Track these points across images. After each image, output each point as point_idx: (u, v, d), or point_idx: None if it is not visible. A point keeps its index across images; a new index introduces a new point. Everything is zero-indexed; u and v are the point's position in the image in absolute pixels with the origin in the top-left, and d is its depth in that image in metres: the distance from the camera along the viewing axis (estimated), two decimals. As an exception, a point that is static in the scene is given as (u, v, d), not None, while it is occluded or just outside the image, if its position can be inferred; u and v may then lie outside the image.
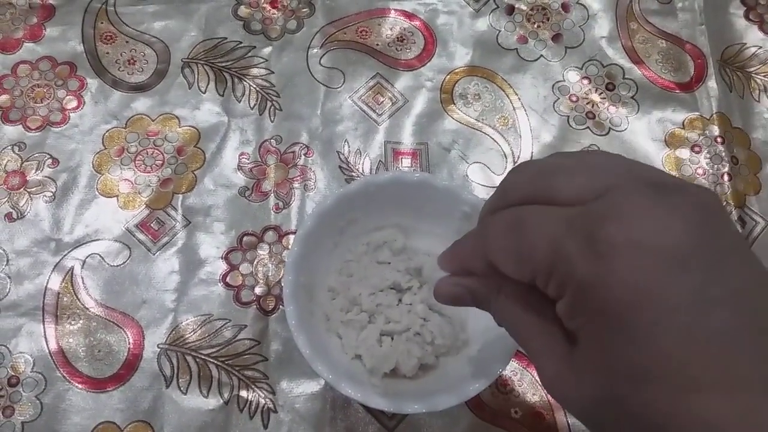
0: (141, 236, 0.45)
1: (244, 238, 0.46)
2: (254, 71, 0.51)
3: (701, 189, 0.21)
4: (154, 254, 0.45)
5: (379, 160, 0.49)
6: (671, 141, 0.51)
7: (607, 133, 0.51)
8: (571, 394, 0.22)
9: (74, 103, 0.50)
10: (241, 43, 0.53)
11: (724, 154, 0.50)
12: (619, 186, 0.20)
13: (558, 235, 0.21)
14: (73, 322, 0.43)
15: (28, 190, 0.46)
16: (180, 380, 0.41)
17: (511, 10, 0.55)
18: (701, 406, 0.18)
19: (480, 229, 0.26)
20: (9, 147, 0.48)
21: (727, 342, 0.18)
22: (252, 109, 0.50)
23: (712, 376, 0.18)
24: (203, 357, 0.42)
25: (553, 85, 0.52)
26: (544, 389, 0.25)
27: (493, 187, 0.48)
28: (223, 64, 0.52)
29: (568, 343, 0.22)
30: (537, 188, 0.23)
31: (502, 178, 0.47)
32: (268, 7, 0.54)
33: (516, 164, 0.49)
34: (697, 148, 0.50)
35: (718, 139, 0.50)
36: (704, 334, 0.18)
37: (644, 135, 0.51)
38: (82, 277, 0.44)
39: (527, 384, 0.42)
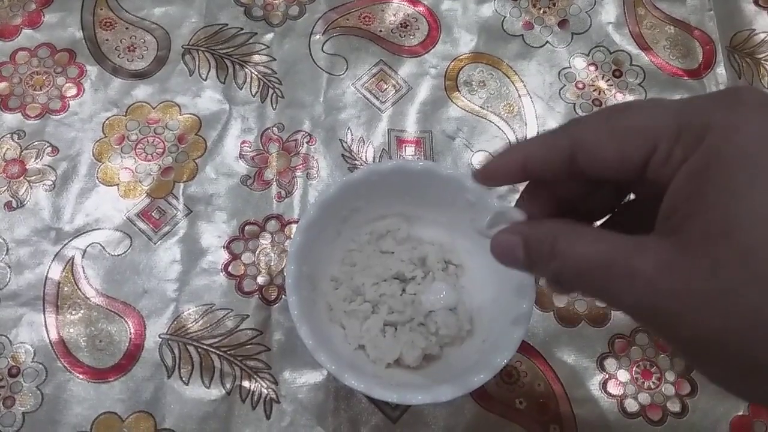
0: (142, 225, 0.45)
1: (246, 227, 0.45)
2: (256, 58, 0.51)
3: None
4: (155, 243, 0.44)
5: (383, 149, 0.48)
6: (679, 129, 0.50)
7: (614, 121, 0.50)
8: (682, 285, 0.18)
9: (74, 91, 0.49)
10: (242, 29, 0.52)
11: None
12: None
13: (682, 105, 0.19)
14: (73, 312, 0.42)
15: (28, 178, 0.46)
16: (182, 370, 0.41)
17: (516, -5, 0.54)
18: None
19: (561, 126, 0.23)
20: (8, 135, 0.47)
21: None
22: (254, 96, 0.49)
23: None
24: (205, 347, 0.42)
25: (560, 72, 0.51)
26: (639, 301, 0.20)
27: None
28: (225, 51, 0.51)
29: (665, 236, 0.20)
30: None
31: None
32: (270, -7, 0.53)
33: None
34: (705, 136, 0.50)
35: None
36: None
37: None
38: (82, 267, 0.44)
39: (532, 375, 0.42)
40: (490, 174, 0.26)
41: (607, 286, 0.20)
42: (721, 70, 0.52)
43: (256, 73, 0.50)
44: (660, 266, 0.19)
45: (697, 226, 0.18)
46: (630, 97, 0.51)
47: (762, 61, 0.53)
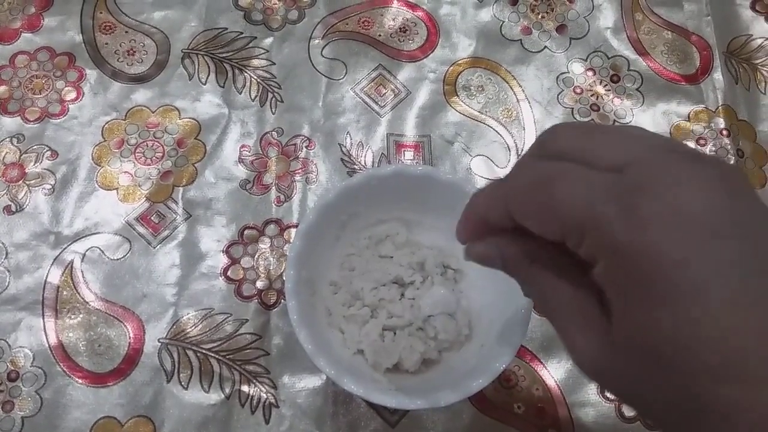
0: (141, 229, 0.45)
1: (245, 232, 0.45)
2: (255, 62, 0.51)
3: (729, 164, 0.21)
4: (154, 248, 0.44)
5: (382, 153, 0.48)
6: (676, 133, 0.50)
7: (612, 126, 0.50)
8: (607, 368, 0.21)
9: (73, 95, 0.49)
10: (241, 33, 0.52)
11: (729, 146, 0.49)
12: (657, 156, 0.20)
13: (595, 198, 0.20)
14: (73, 316, 0.42)
15: (27, 182, 0.46)
16: (181, 375, 0.41)
17: (515, 0, 0.55)
18: (747, 395, 0.18)
19: (507, 176, 0.25)
20: (7, 139, 0.47)
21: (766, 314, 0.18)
22: (253, 100, 0.49)
23: (759, 357, 0.18)
24: (204, 351, 0.42)
25: (558, 77, 0.52)
26: (576, 364, 0.23)
27: (497, 179, 0.47)
28: (224, 55, 0.51)
29: (603, 313, 0.22)
30: (575, 146, 0.22)
31: (505, 171, 0.48)
32: (269, -3, 0.53)
33: (520, 157, 0.49)
34: (702, 141, 0.50)
35: (724, 132, 0.50)
36: (747, 302, 0.18)
37: (649, 127, 0.49)
38: (81, 271, 0.44)
39: (530, 379, 0.42)
40: (462, 232, 0.28)
41: (557, 331, 0.24)
42: (718, 76, 0.52)
43: (255, 77, 0.50)
44: (591, 346, 0.22)
45: (620, 331, 0.21)
46: (627, 103, 0.51)
47: (759, 67, 0.53)
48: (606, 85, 0.52)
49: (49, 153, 0.47)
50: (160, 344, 0.42)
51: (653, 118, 0.50)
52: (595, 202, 0.20)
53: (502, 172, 0.48)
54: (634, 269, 0.19)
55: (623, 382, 0.21)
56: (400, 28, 0.53)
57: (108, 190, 0.46)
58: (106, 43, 0.51)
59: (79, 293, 0.43)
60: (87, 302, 0.43)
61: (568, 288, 0.23)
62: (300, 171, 0.47)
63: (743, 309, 0.18)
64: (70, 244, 0.44)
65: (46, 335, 0.42)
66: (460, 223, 0.27)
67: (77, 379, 0.41)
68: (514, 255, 0.25)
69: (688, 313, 0.18)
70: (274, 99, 0.50)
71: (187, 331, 0.42)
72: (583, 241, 0.21)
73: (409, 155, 0.48)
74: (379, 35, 0.53)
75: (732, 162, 0.49)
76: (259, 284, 0.44)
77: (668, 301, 0.19)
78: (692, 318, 0.18)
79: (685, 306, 0.19)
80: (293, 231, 0.45)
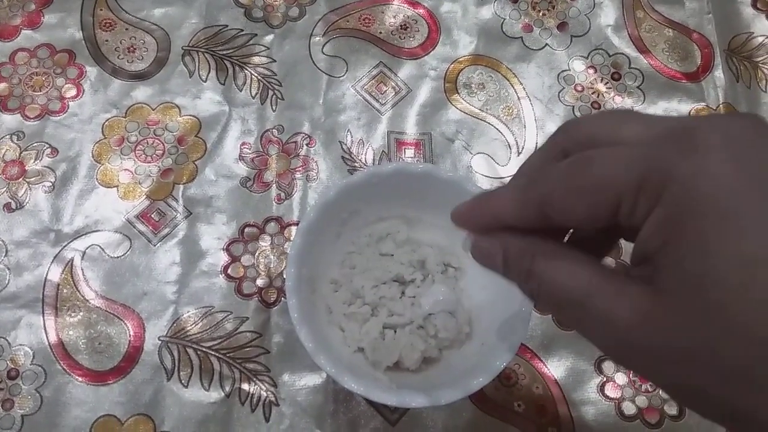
0: (141, 227, 0.45)
1: (246, 230, 0.45)
2: (256, 59, 0.51)
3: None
4: (154, 245, 0.44)
5: (383, 151, 0.48)
6: (677, 132, 0.50)
7: (613, 124, 0.50)
8: (656, 330, 0.19)
9: (73, 92, 0.49)
10: (242, 30, 0.52)
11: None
12: (692, 120, 0.20)
13: (648, 152, 0.19)
14: (73, 314, 0.42)
15: (27, 179, 0.46)
16: (181, 373, 0.41)
17: (516, -3, 0.54)
18: None
19: (529, 176, 0.23)
20: (7, 136, 0.47)
21: None
22: (253, 98, 0.49)
23: None
24: (204, 349, 0.42)
25: (559, 75, 0.52)
26: (614, 343, 0.21)
27: (498, 177, 0.47)
28: (224, 52, 0.51)
29: (632, 282, 0.20)
30: (605, 125, 0.22)
31: (506, 169, 0.48)
32: (270, -5, 0.53)
33: (521, 154, 0.48)
34: (703, 139, 0.50)
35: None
36: None
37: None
38: (82, 269, 0.43)
39: (530, 377, 0.42)
40: (463, 220, 0.26)
41: (582, 323, 0.21)
42: (719, 73, 0.52)
43: (255, 74, 0.50)
44: (637, 317, 0.19)
45: (672, 281, 0.19)
46: (628, 101, 0.51)
47: (760, 65, 0.53)
48: (607, 82, 0.51)
49: (49, 150, 0.47)
50: (160, 342, 0.42)
51: (654, 116, 0.50)
52: (649, 154, 0.19)
53: (502, 170, 0.48)
54: (698, 199, 0.18)
55: (673, 340, 0.19)
56: (401, 26, 0.53)
57: (108, 187, 0.46)
58: (107, 40, 0.51)
59: (79, 291, 0.43)
60: (87, 300, 0.43)
61: (589, 266, 0.21)
62: (300, 169, 0.47)
63: None
64: (70, 242, 0.44)
65: (46, 333, 0.42)
66: (464, 212, 0.26)
67: (77, 377, 0.41)
68: (517, 250, 0.24)
69: (755, 241, 0.17)
70: (274, 96, 0.50)
71: (188, 329, 0.42)
72: (639, 198, 0.19)
73: (409, 153, 0.48)
74: (380, 32, 0.52)
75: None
76: (260, 282, 0.44)
77: (734, 230, 0.17)
78: (759, 245, 0.17)
79: (750, 235, 0.17)
80: (294, 229, 0.45)
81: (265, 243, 0.45)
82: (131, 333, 0.42)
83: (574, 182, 0.21)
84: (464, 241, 0.29)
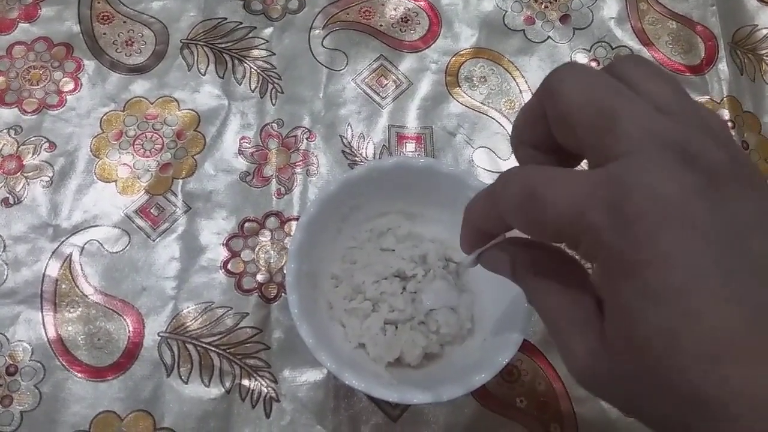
0: (140, 222, 0.44)
1: (246, 224, 0.45)
2: (255, 53, 0.50)
3: (728, 149, 0.21)
4: (153, 241, 0.44)
5: (383, 145, 0.48)
6: (681, 125, 0.50)
7: (616, 117, 0.49)
8: (602, 372, 0.22)
9: (71, 86, 0.49)
10: (241, 23, 0.51)
11: (734, 138, 0.49)
12: (642, 150, 0.20)
13: (584, 205, 0.21)
14: (72, 310, 0.42)
15: (25, 174, 0.46)
16: (181, 369, 0.41)
17: (517, -10, 0.54)
18: (736, 376, 0.18)
19: (495, 184, 0.25)
20: (5, 130, 0.47)
21: (755, 303, 0.19)
22: (253, 91, 0.49)
23: (745, 344, 0.18)
24: (204, 345, 0.41)
25: (561, 68, 0.51)
26: (572, 373, 0.24)
27: (499, 172, 0.47)
28: (223, 46, 0.50)
29: (600, 319, 0.22)
30: (573, 110, 0.23)
31: (508, 163, 0.47)
32: (269, -13, 0.53)
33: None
34: (707, 133, 0.49)
35: (729, 124, 0.49)
36: (733, 299, 0.19)
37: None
38: (80, 264, 0.43)
39: (533, 373, 0.42)
40: (468, 249, 0.29)
41: (555, 342, 0.24)
42: (723, 66, 0.51)
43: (255, 68, 0.50)
44: (588, 353, 0.22)
45: (612, 326, 0.21)
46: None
47: (764, 57, 0.53)
48: (610, 75, 0.51)
49: (47, 145, 0.46)
50: (159, 338, 0.42)
51: (657, 109, 0.50)
52: (584, 209, 0.21)
53: (504, 164, 0.47)
54: (624, 268, 0.20)
55: (618, 385, 0.22)
56: (401, 18, 0.52)
57: (107, 182, 0.46)
58: (104, 34, 0.51)
59: (78, 286, 0.43)
60: (86, 296, 0.42)
61: (569, 296, 0.24)
62: (301, 163, 0.47)
63: (726, 307, 0.19)
64: (68, 237, 0.44)
65: (44, 329, 0.41)
66: (462, 237, 0.29)
67: (76, 373, 0.41)
68: (522, 263, 0.26)
69: (673, 309, 0.19)
70: (274, 90, 0.49)
71: (187, 324, 0.42)
72: (579, 246, 0.22)
73: (410, 147, 0.48)
74: (381, 25, 0.52)
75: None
76: (260, 277, 0.43)
77: (654, 298, 0.19)
78: (677, 314, 0.19)
79: (669, 303, 0.19)
80: (294, 224, 0.45)
81: (265, 238, 0.45)
82: (130, 329, 0.42)
83: (526, 216, 0.23)
84: (464, 259, 0.30)
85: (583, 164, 0.25)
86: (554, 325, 0.24)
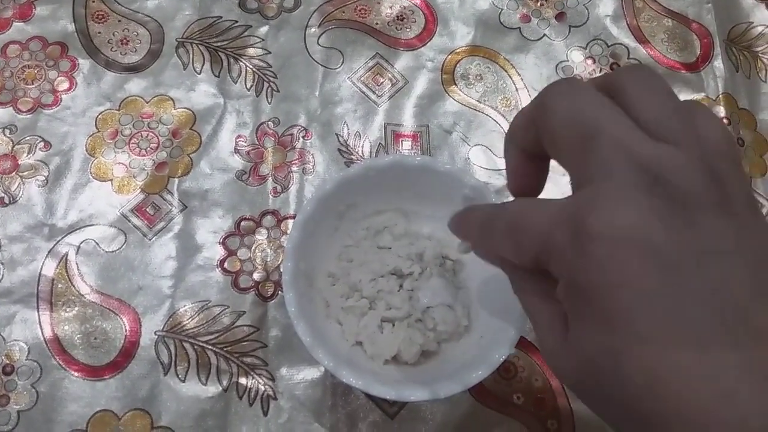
0: (136, 221, 0.44)
1: (242, 223, 0.45)
2: (250, 51, 0.50)
3: (712, 172, 0.21)
4: (150, 240, 0.44)
5: (379, 143, 0.48)
6: (676, 122, 0.50)
7: (612, 115, 0.50)
8: (563, 366, 0.24)
9: (66, 85, 0.48)
10: (236, 22, 0.51)
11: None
12: (609, 174, 0.21)
13: (550, 223, 0.23)
14: (68, 309, 0.42)
15: (20, 174, 0.45)
16: (178, 368, 0.41)
17: (513, -13, 0.54)
18: (672, 397, 0.19)
19: (483, 223, 0.28)
20: (0, 130, 0.47)
21: (697, 328, 0.20)
22: (248, 90, 0.49)
23: (684, 365, 0.19)
24: (201, 344, 0.41)
25: (557, 66, 0.51)
26: (545, 361, 0.26)
27: (496, 170, 0.47)
28: (219, 44, 0.50)
29: (565, 322, 0.24)
30: (556, 140, 0.24)
31: (503, 161, 0.47)
32: (265, -15, 0.53)
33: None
34: (702, 130, 0.49)
35: (724, 121, 0.49)
36: (676, 321, 0.20)
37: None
38: (76, 263, 0.43)
39: (530, 370, 0.42)
40: (456, 231, 0.31)
41: (534, 332, 0.27)
42: (718, 63, 0.52)
43: (250, 66, 0.50)
44: (557, 352, 0.24)
45: (572, 337, 0.23)
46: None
47: (759, 54, 0.53)
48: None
49: (42, 144, 0.46)
50: (156, 337, 0.42)
51: (653, 106, 0.50)
52: (552, 229, 0.22)
53: (500, 162, 0.47)
54: (580, 290, 0.22)
55: (577, 382, 0.24)
56: (397, 16, 0.52)
57: (102, 181, 0.46)
58: (99, 33, 0.50)
59: (74, 286, 0.43)
60: (82, 295, 0.42)
61: (544, 302, 0.26)
62: (297, 161, 0.47)
63: (670, 330, 0.20)
64: (64, 237, 0.44)
65: (41, 328, 0.41)
66: (456, 224, 0.31)
67: (73, 373, 0.40)
68: (519, 271, 0.28)
69: (618, 332, 0.20)
70: (270, 89, 0.49)
71: (184, 323, 0.42)
72: (550, 267, 0.23)
73: (407, 145, 0.48)
74: (376, 23, 0.52)
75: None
76: (257, 276, 0.43)
77: (603, 319, 0.21)
78: (621, 336, 0.20)
79: (615, 325, 0.20)
80: (290, 222, 0.45)
81: (261, 236, 0.45)
82: (127, 328, 0.42)
83: (510, 237, 0.25)
84: (459, 244, 0.31)
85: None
86: (532, 317, 0.27)
